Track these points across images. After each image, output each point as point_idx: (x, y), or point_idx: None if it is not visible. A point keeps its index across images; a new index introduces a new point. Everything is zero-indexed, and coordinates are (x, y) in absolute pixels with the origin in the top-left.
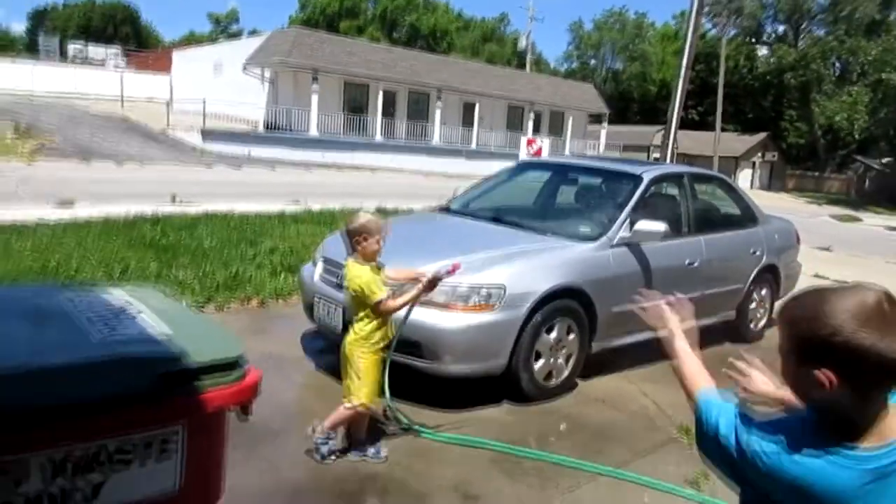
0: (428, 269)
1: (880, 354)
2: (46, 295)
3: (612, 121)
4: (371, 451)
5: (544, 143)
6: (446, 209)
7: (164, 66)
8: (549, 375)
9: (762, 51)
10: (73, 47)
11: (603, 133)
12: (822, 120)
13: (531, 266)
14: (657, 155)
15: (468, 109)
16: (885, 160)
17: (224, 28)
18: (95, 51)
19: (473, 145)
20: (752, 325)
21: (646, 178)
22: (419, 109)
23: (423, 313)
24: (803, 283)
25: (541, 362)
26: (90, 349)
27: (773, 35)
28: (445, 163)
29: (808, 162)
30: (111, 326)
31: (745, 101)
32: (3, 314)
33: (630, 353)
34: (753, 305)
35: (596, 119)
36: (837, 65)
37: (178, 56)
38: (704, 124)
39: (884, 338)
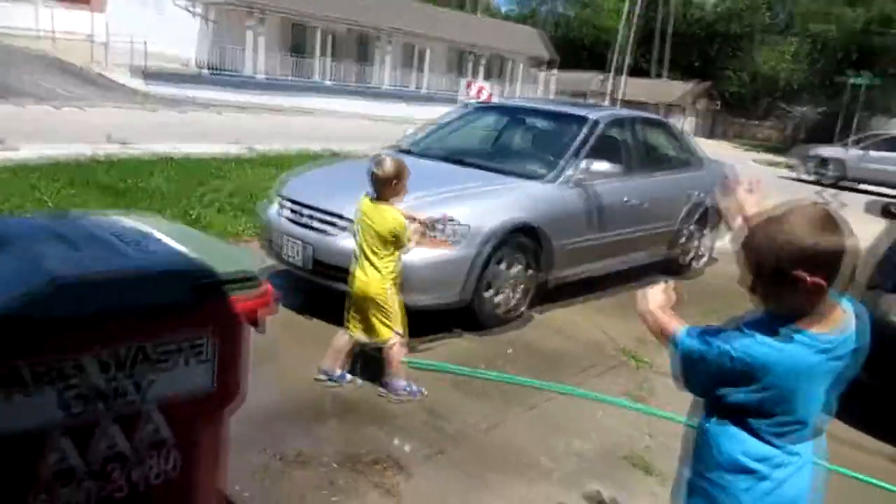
0: (418, 213)
1: (843, 249)
2: (65, 221)
3: (562, 66)
4: (404, 386)
5: (490, 87)
6: (401, 149)
7: (97, 1)
8: (504, 306)
9: None
10: None
11: (549, 77)
12: (760, 69)
13: (489, 204)
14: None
15: (413, 52)
16: (818, 110)
17: None
18: None
19: (419, 88)
20: (692, 262)
21: (595, 120)
22: (364, 51)
23: None
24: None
25: (497, 294)
26: (130, 262)
27: None
28: (391, 106)
29: (746, 110)
30: (141, 245)
31: (689, 49)
32: (33, 238)
33: (580, 286)
34: (694, 243)
35: (541, 64)
36: (776, 15)
37: None
38: (647, 71)
39: (840, 237)
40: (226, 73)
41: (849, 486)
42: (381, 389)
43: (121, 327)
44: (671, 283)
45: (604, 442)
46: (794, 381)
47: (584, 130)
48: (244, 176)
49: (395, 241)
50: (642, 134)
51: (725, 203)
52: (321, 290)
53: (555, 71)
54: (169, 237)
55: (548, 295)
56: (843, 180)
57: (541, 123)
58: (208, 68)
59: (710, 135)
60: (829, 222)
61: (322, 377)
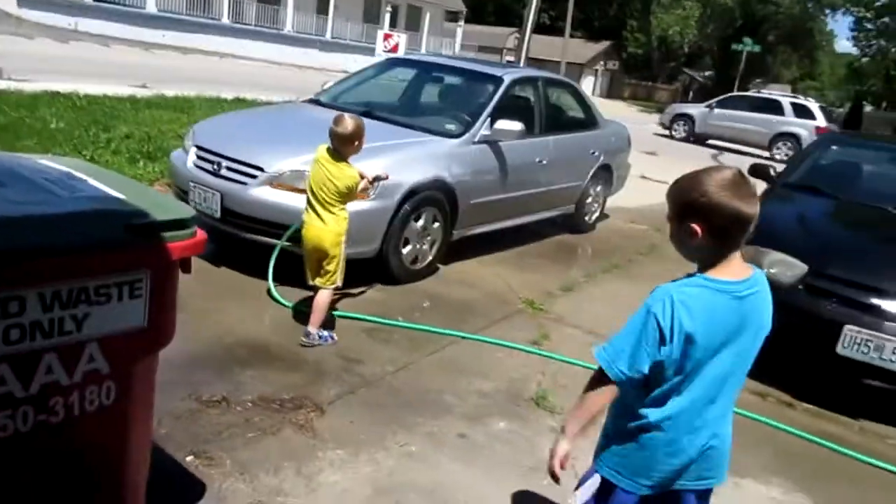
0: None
1: (734, 210)
2: None
3: (469, 20)
4: (321, 333)
5: (401, 38)
6: (317, 101)
7: None
8: (415, 260)
9: None
10: None
11: (459, 31)
12: (659, 31)
13: (402, 159)
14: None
15: None
16: (707, 73)
17: None
18: None
19: (328, 36)
20: (587, 218)
21: (506, 80)
22: None
23: (300, 201)
24: (631, 183)
25: (409, 248)
26: (64, 203)
27: None
28: (299, 52)
29: (643, 72)
30: (71, 187)
31: (593, 8)
32: None
33: (485, 240)
34: (589, 200)
35: (453, 17)
36: None
37: None
38: (554, 29)
39: (734, 198)
40: (112, 2)
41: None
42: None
43: (60, 264)
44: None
45: (504, 381)
46: (705, 323)
47: (494, 89)
48: (141, 118)
49: (348, 195)
50: (550, 94)
51: None
52: (229, 238)
53: (461, 23)
54: (101, 180)
55: (454, 248)
56: (692, 135)
57: (454, 80)
58: None
59: (608, 95)
60: (737, 186)
61: (306, 341)
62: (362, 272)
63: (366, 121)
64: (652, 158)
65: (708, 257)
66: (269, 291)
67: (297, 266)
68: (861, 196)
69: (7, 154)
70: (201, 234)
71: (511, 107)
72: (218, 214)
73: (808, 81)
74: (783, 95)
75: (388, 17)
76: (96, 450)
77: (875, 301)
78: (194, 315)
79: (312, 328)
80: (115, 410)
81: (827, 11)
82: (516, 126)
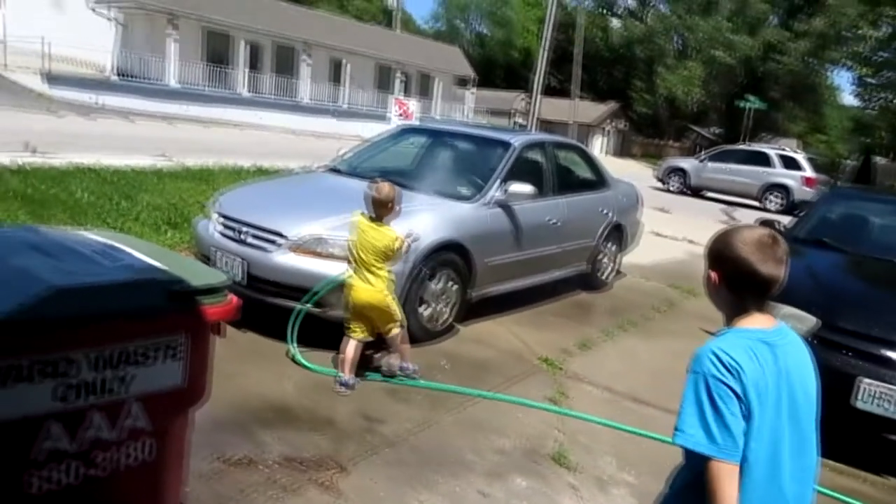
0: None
1: (751, 266)
2: (36, 234)
3: (479, 85)
4: (412, 367)
5: (414, 104)
6: (335, 170)
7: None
8: (433, 320)
9: (615, 23)
10: None
11: (470, 97)
12: (664, 91)
13: (417, 223)
14: (519, 120)
15: (337, 67)
16: (715, 130)
17: None
18: None
19: (343, 104)
20: (601, 276)
21: (516, 145)
22: (286, 64)
23: (322, 265)
24: (644, 240)
25: (427, 308)
26: (109, 273)
27: (625, 8)
28: (314, 121)
29: (652, 130)
30: (114, 258)
31: (600, 71)
32: (13, 249)
33: (502, 300)
34: (603, 258)
35: (463, 82)
36: (678, 40)
37: None
38: (562, 91)
39: (754, 257)
40: (136, 78)
41: None
42: (396, 368)
43: (107, 328)
44: None
45: (523, 439)
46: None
47: (505, 154)
48: (164, 188)
49: (390, 255)
50: (559, 157)
51: None
52: (252, 303)
53: (473, 89)
54: (141, 251)
55: (471, 308)
56: (687, 188)
57: (466, 146)
58: (121, 74)
59: (619, 153)
60: (763, 247)
61: (342, 390)
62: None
63: None
64: (664, 216)
65: (731, 309)
66: (291, 355)
67: (316, 329)
68: (870, 249)
69: (52, 228)
70: (234, 300)
71: (521, 170)
72: (243, 280)
73: (816, 135)
74: (770, 148)
75: (400, 84)
76: (137, 502)
77: (889, 354)
78: (219, 378)
79: (406, 364)
80: (155, 466)
81: (829, 67)
82: (527, 188)
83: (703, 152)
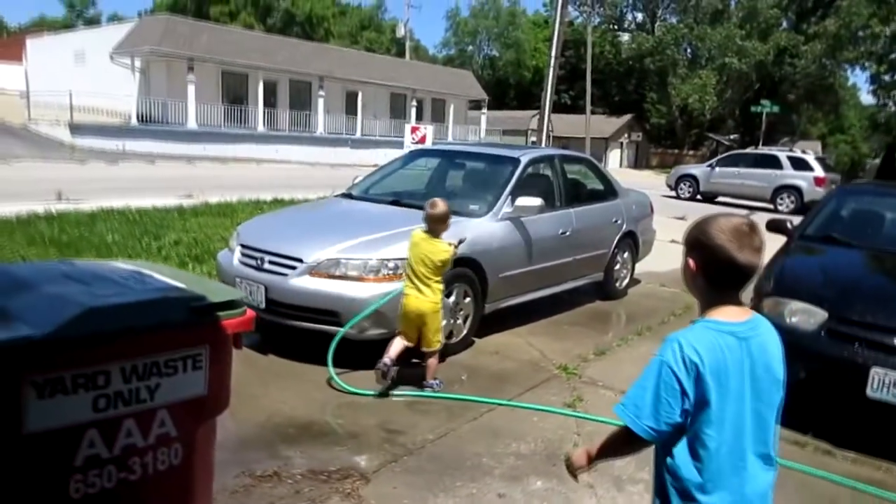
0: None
1: (725, 254)
2: (69, 266)
3: (491, 106)
4: (435, 382)
5: (428, 130)
6: (348, 195)
7: (15, 54)
8: (450, 334)
9: (624, 37)
10: None
11: (483, 118)
12: (678, 101)
13: None
14: (535, 139)
15: (351, 98)
16: (732, 136)
17: (80, 13)
18: None
19: (358, 134)
20: (616, 284)
21: (523, 161)
22: (301, 99)
23: (338, 286)
24: (659, 247)
25: (443, 323)
26: (137, 294)
27: (633, 22)
28: (331, 152)
29: (668, 140)
30: (141, 281)
31: (612, 85)
32: (50, 279)
33: (518, 312)
34: (617, 267)
35: (476, 105)
36: (689, 50)
37: (32, 44)
38: (576, 108)
39: (731, 245)
40: (157, 123)
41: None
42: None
43: (137, 343)
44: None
45: (540, 443)
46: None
47: (513, 169)
48: (187, 225)
49: (443, 267)
50: (568, 170)
51: None
52: (274, 329)
53: (485, 110)
54: (163, 274)
55: (488, 321)
56: (697, 194)
57: (475, 165)
58: (142, 120)
59: (635, 165)
60: (739, 234)
61: (381, 366)
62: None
63: (395, 209)
64: (681, 224)
65: (706, 298)
66: (328, 378)
67: (349, 352)
68: (878, 243)
69: (86, 261)
70: (250, 313)
71: (530, 184)
72: (263, 305)
73: (837, 136)
74: (780, 150)
75: (413, 111)
76: None
77: None
78: (245, 400)
79: (429, 380)
80: (183, 470)
81: (846, 67)
82: (536, 202)
83: (713, 159)
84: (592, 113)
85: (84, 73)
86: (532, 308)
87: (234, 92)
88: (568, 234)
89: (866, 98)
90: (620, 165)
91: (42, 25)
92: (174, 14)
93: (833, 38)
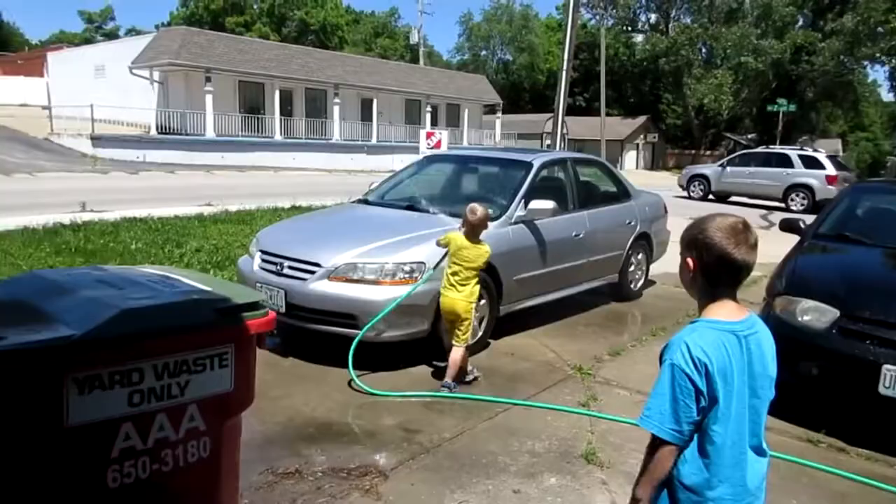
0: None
1: (723, 251)
2: (101, 272)
3: (506, 110)
4: (470, 377)
5: (443, 135)
6: (365, 201)
7: (36, 69)
8: None
9: (638, 38)
10: None
11: (498, 123)
12: (694, 101)
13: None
14: (549, 142)
15: (366, 105)
16: (749, 136)
17: (98, 27)
18: None
19: (373, 140)
20: (631, 286)
21: (535, 164)
22: (317, 106)
23: (356, 290)
24: (674, 248)
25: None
26: (167, 296)
27: (647, 23)
28: (347, 158)
29: (685, 141)
30: (170, 285)
31: (627, 87)
32: (85, 284)
33: (533, 314)
34: (632, 268)
35: (490, 109)
36: (703, 50)
37: (53, 58)
38: (591, 110)
39: (728, 242)
40: (175, 133)
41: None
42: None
43: (168, 342)
44: None
45: (554, 442)
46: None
47: (525, 173)
48: (208, 233)
49: (479, 267)
50: (580, 172)
51: None
52: (295, 331)
53: (499, 114)
54: (191, 279)
55: (503, 323)
56: (709, 194)
57: (488, 169)
58: (161, 130)
59: (652, 167)
60: (735, 232)
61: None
62: (418, 350)
63: (410, 213)
64: None
65: (704, 296)
66: (349, 380)
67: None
68: (892, 241)
69: (118, 266)
70: (271, 314)
71: (543, 187)
72: (283, 309)
73: (857, 133)
74: (791, 149)
75: (428, 116)
76: (197, 496)
77: None
78: (267, 401)
79: (449, 380)
80: (211, 462)
81: (864, 63)
82: (548, 205)
83: (724, 159)
84: (607, 115)
85: (104, 86)
86: (547, 310)
87: (251, 101)
88: (581, 236)
89: (887, 96)
90: (636, 167)
91: (62, 40)
92: (191, 26)
93: (851, 34)
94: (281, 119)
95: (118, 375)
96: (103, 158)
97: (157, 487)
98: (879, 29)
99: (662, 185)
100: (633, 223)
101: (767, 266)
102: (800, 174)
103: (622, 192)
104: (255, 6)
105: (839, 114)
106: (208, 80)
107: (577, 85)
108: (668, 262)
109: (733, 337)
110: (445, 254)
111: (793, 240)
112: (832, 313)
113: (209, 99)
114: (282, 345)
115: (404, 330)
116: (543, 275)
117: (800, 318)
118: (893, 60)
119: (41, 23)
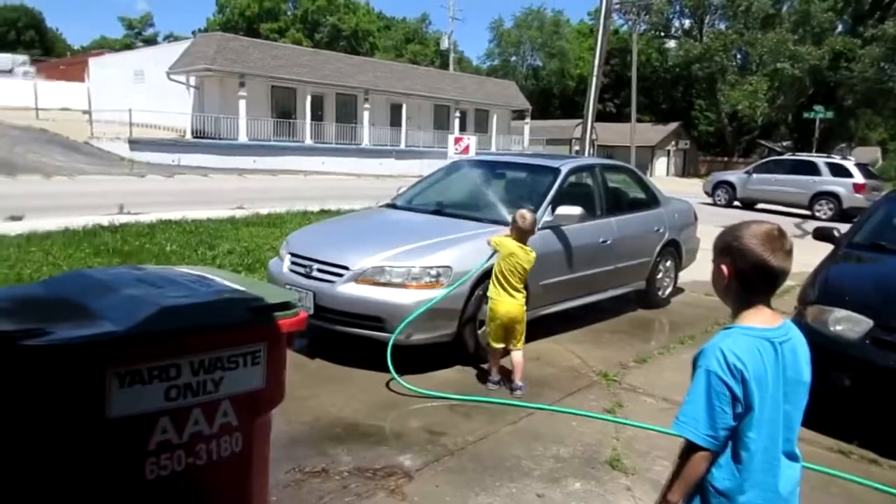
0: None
1: (759, 258)
2: (140, 271)
3: (535, 116)
4: (521, 384)
5: (471, 140)
6: (392, 205)
7: (77, 74)
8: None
9: (671, 44)
10: None
11: (526, 128)
12: (728, 108)
13: (471, 248)
14: (578, 148)
15: (395, 110)
16: (785, 143)
17: (138, 33)
18: (2, 58)
19: (402, 145)
20: (659, 293)
21: (563, 170)
22: (347, 111)
23: (383, 293)
24: (703, 256)
25: (484, 329)
26: (203, 296)
27: (680, 29)
28: (376, 163)
29: (717, 148)
30: (206, 285)
31: (658, 93)
32: (126, 283)
33: (560, 319)
34: (660, 275)
35: (519, 115)
36: (738, 56)
37: (94, 63)
38: (621, 116)
39: (764, 249)
40: (210, 137)
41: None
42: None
43: (204, 339)
44: None
45: (579, 447)
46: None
47: (553, 179)
48: (240, 235)
49: (528, 272)
50: (608, 179)
51: None
52: (322, 333)
53: (528, 120)
54: (226, 279)
55: (529, 328)
56: (734, 201)
57: (516, 175)
58: (196, 134)
59: (684, 173)
60: (770, 239)
61: (493, 386)
62: (443, 354)
63: (437, 217)
64: None
65: (739, 303)
66: (391, 380)
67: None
68: None
69: (156, 266)
70: (302, 314)
71: (571, 193)
72: (312, 311)
73: None
74: (818, 156)
75: (457, 122)
76: (229, 490)
77: None
78: (294, 402)
79: (518, 381)
80: (243, 457)
81: None
82: (576, 211)
83: (750, 166)
84: (638, 121)
85: (142, 91)
86: (573, 315)
87: (283, 106)
88: (609, 242)
89: None
90: (667, 174)
91: (103, 46)
92: (226, 32)
93: (892, 40)
94: (312, 124)
95: (156, 371)
96: (140, 162)
97: (192, 480)
98: None
99: (689, 192)
100: (661, 230)
101: (800, 275)
102: (826, 182)
103: (651, 199)
104: (288, 13)
105: (879, 121)
106: (242, 85)
107: (607, 91)
108: (698, 270)
109: (768, 344)
110: (491, 255)
111: (826, 249)
112: (866, 323)
113: (242, 104)
114: (308, 346)
115: (431, 333)
116: (570, 280)
117: (832, 328)
118: None
119: (83, 29)
